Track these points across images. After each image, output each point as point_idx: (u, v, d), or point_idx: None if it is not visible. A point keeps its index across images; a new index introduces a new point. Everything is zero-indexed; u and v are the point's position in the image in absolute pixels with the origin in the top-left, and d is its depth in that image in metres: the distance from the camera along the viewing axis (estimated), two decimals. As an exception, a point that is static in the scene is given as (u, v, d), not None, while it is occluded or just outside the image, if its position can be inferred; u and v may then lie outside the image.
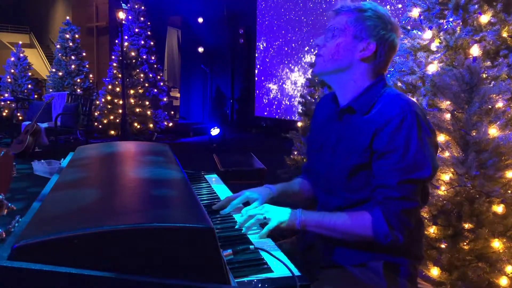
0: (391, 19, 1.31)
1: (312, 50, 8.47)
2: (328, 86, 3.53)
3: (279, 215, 1.31)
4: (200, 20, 10.33)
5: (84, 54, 10.32)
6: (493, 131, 2.06)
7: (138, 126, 8.60)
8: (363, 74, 1.31)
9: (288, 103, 9.55)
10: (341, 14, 1.32)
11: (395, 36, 1.31)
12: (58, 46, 10.18)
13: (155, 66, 9.40)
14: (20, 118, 8.18)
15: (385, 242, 1.21)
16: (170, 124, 9.48)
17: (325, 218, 1.29)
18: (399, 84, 2.77)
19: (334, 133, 1.37)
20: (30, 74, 10.49)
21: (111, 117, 8.57)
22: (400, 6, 7.44)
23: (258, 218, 1.31)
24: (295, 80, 9.40)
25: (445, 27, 2.63)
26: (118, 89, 8.55)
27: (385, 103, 1.26)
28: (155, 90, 9.25)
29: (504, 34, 2.49)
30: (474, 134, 2.04)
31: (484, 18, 2.50)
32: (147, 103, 8.78)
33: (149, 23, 9.37)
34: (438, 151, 2.15)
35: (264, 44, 10.13)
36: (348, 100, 1.34)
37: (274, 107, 9.95)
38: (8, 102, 9.43)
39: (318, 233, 1.32)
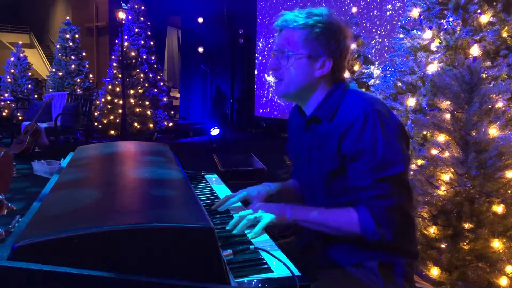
0: (340, 24, 1.29)
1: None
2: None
3: (270, 211, 1.33)
4: (200, 20, 10.33)
5: (84, 54, 10.33)
6: (493, 131, 2.06)
7: (138, 126, 8.60)
8: (323, 86, 1.33)
9: (288, 103, 9.55)
10: (287, 30, 1.30)
11: (347, 40, 1.31)
12: (58, 46, 10.19)
13: (155, 66, 9.40)
14: (20, 118, 8.18)
15: (372, 239, 1.22)
16: (170, 124, 9.48)
17: (314, 213, 1.31)
18: (399, 84, 2.77)
19: (306, 143, 1.38)
20: (30, 74, 10.50)
21: (111, 117, 8.57)
22: (399, 4, 7.44)
23: (249, 219, 1.32)
24: (295, 80, 9.38)
25: (445, 27, 2.63)
26: (118, 89, 8.56)
27: (347, 107, 1.27)
28: (155, 90, 9.25)
29: (504, 34, 2.49)
30: (474, 134, 2.04)
31: (484, 18, 2.50)
32: (147, 103, 8.78)
33: (149, 23, 9.37)
34: (438, 151, 2.15)
35: (264, 44, 10.13)
36: (311, 110, 1.35)
37: (274, 107, 9.95)
38: (8, 102, 9.43)
39: (307, 227, 1.33)
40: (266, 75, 10.06)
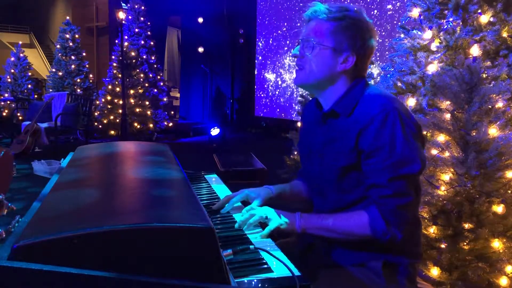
0: (368, 24, 1.30)
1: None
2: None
3: (279, 217, 1.33)
4: (200, 20, 10.33)
5: (84, 54, 10.32)
6: (493, 131, 2.06)
7: (138, 126, 8.59)
8: (343, 82, 1.33)
9: (288, 103, 9.56)
10: (316, 21, 1.30)
11: (373, 40, 1.32)
12: (58, 46, 10.19)
13: (155, 66, 9.39)
14: (20, 118, 8.18)
15: (384, 239, 1.22)
16: (170, 124, 9.48)
17: (324, 220, 1.30)
18: (399, 84, 2.77)
19: (321, 137, 1.38)
20: (30, 74, 10.49)
21: (111, 117, 8.56)
22: (399, 4, 7.44)
23: (260, 216, 1.32)
24: (295, 80, 9.38)
25: (445, 27, 2.63)
26: (118, 89, 8.55)
27: (367, 103, 1.27)
28: (155, 90, 9.24)
29: (504, 34, 2.49)
30: (474, 134, 2.04)
31: (484, 18, 2.50)
32: (147, 103, 8.78)
33: (149, 23, 9.37)
34: (438, 151, 2.15)
35: (264, 44, 10.13)
36: (330, 104, 1.35)
37: (274, 107, 9.95)
38: (8, 102, 9.42)
39: (318, 234, 1.32)
40: (266, 74, 10.06)
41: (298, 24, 9.25)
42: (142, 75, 8.95)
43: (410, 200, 1.22)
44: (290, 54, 9.30)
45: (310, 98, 3.74)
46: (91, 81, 10.43)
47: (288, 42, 9.56)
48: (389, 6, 7.63)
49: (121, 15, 7.84)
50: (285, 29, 9.59)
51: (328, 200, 1.37)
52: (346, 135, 1.28)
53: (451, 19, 2.60)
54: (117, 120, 8.40)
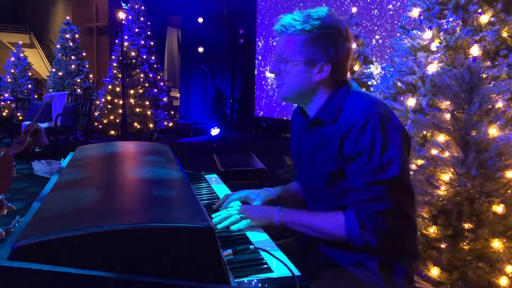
0: (339, 27, 1.27)
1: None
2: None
3: (258, 212, 1.35)
4: (200, 20, 10.33)
5: (84, 54, 10.33)
6: (493, 131, 2.06)
7: (138, 126, 8.60)
8: (323, 90, 1.33)
9: (288, 103, 9.55)
10: (286, 36, 1.29)
11: (347, 43, 1.29)
12: (58, 46, 10.19)
13: (155, 66, 9.40)
14: (20, 118, 8.18)
15: (358, 243, 1.22)
16: (170, 124, 9.48)
17: (302, 216, 1.32)
18: (399, 84, 2.77)
19: (309, 144, 1.38)
20: (30, 74, 10.49)
21: (111, 117, 8.57)
22: (399, 4, 7.44)
23: (235, 218, 1.33)
24: (295, 80, 9.39)
25: (445, 27, 2.63)
26: (118, 89, 8.56)
27: (349, 108, 1.26)
28: (155, 90, 9.24)
29: (504, 34, 2.49)
30: (474, 134, 2.04)
31: (484, 18, 2.50)
32: (147, 103, 8.78)
33: (149, 23, 9.37)
34: (438, 151, 2.15)
35: (264, 44, 10.13)
36: (314, 112, 1.35)
37: (274, 107, 9.95)
38: (8, 102, 9.42)
39: (295, 230, 1.34)
40: (266, 72, 10.06)
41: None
42: (142, 75, 8.95)
43: (387, 207, 1.20)
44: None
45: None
46: (91, 81, 10.43)
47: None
48: (390, 6, 7.63)
49: (121, 15, 7.85)
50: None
51: (321, 204, 1.38)
52: (331, 142, 1.28)
53: (451, 19, 2.61)
54: (117, 120, 8.41)
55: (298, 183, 1.62)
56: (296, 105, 1.52)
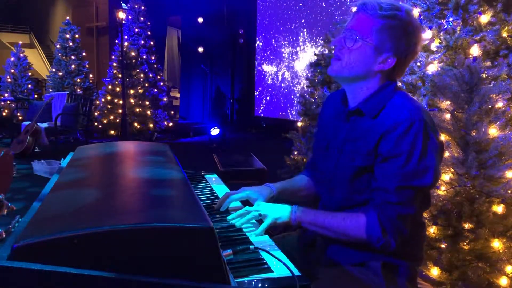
0: (417, 28, 1.26)
1: (315, 50, 8.45)
2: (328, 86, 3.53)
3: (274, 211, 1.33)
4: (200, 20, 10.33)
5: (84, 54, 10.32)
6: (493, 131, 2.06)
7: (138, 126, 8.59)
8: (376, 81, 1.31)
9: (288, 103, 9.56)
10: (365, 14, 1.26)
11: (417, 46, 1.28)
12: (58, 46, 10.18)
13: (155, 66, 9.39)
14: (20, 118, 8.18)
15: (377, 245, 1.21)
16: (170, 124, 9.47)
17: (320, 216, 1.30)
18: (399, 84, 2.77)
19: (342, 134, 1.36)
20: (30, 74, 10.49)
21: (111, 117, 8.56)
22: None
23: (254, 215, 1.33)
24: (295, 80, 9.40)
25: (445, 27, 2.63)
26: (118, 89, 8.55)
27: (395, 108, 1.25)
28: (155, 90, 9.24)
29: (504, 34, 2.49)
30: (474, 134, 2.04)
31: (484, 18, 2.50)
32: (147, 103, 8.78)
33: (149, 23, 9.37)
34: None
35: (264, 44, 10.12)
36: (357, 102, 1.32)
37: (274, 107, 9.95)
38: (8, 102, 9.42)
39: (312, 230, 1.33)
40: (266, 74, 10.05)
41: (302, 22, 9.26)
42: (142, 75, 8.95)
43: (412, 212, 1.21)
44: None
45: (313, 100, 3.74)
46: (91, 81, 10.43)
47: (288, 40, 9.56)
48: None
49: (121, 15, 7.84)
50: (285, 30, 9.59)
51: (336, 197, 1.36)
52: (368, 136, 1.26)
53: (451, 19, 2.60)
54: (117, 120, 8.40)
55: (308, 175, 1.59)
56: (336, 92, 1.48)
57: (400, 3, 1.28)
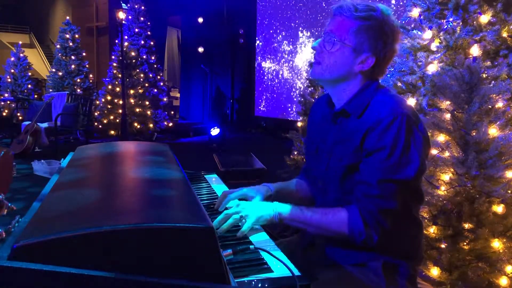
0: (394, 27, 1.28)
1: (311, 52, 8.42)
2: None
3: (256, 210, 1.32)
4: (200, 20, 10.33)
5: (84, 54, 10.32)
6: (493, 131, 2.06)
7: (138, 126, 8.60)
8: (358, 81, 1.33)
9: (288, 103, 9.56)
10: (341, 17, 1.28)
11: (395, 45, 1.30)
12: (58, 46, 10.19)
13: (155, 66, 9.40)
14: (20, 118, 8.18)
15: (359, 240, 1.22)
16: (170, 124, 9.48)
17: (302, 212, 1.31)
18: (399, 84, 2.77)
19: (330, 136, 1.37)
20: (30, 74, 10.49)
21: (111, 117, 8.57)
22: (395, 3, 7.44)
23: (235, 218, 1.31)
24: (295, 80, 9.41)
25: (445, 27, 2.63)
26: (118, 89, 8.55)
27: (378, 105, 1.26)
28: (155, 90, 9.24)
29: (504, 34, 2.49)
30: (474, 134, 2.04)
31: (484, 18, 2.50)
32: (147, 103, 8.78)
33: (149, 23, 9.37)
34: (438, 151, 2.15)
35: (264, 44, 10.12)
36: (342, 103, 1.35)
37: (274, 107, 9.95)
38: (8, 102, 9.43)
39: (294, 226, 1.33)
40: (266, 73, 10.05)
41: (302, 22, 9.27)
42: (142, 75, 8.95)
43: (393, 206, 1.21)
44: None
45: (313, 99, 3.74)
46: (91, 81, 10.43)
47: (288, 40, 9.56)
48: (393, 6, 7.63)
49: (121, 15, 7.85)
50: (285, 30, 9.59)
51: (329, 199, 1.37)
52: (353, 135, 1.28)
53: (451, 19, 2.60)
54: (117, 120, 8.40)
55: (303, 179, 1.61)
56: (313, 99, 1.50)
57: (377, 4, 1.30)
